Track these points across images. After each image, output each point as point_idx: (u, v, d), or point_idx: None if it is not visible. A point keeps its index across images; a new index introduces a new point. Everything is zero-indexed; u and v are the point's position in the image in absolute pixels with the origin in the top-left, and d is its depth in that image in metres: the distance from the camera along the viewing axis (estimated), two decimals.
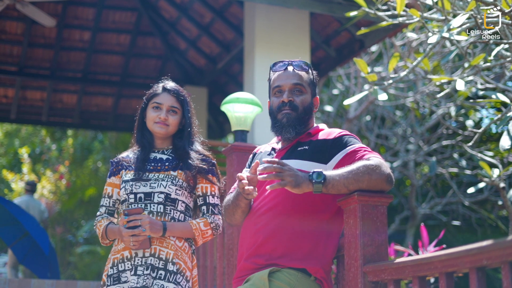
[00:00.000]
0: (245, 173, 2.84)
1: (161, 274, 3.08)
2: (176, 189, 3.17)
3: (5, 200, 7.71)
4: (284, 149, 3.01)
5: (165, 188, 3.16)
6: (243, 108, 5.05)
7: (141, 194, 3.16)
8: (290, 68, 3.02)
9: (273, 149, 3.09)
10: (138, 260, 3.09)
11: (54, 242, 13.88)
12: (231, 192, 3.14)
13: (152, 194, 3.15)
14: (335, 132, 2.97)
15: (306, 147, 2.93)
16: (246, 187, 2.77)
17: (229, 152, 4.64)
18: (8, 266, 9.52)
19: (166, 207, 3.15)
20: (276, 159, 2.69)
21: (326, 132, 3.00)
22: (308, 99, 3.01)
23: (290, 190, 2.68)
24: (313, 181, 2.65)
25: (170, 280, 3.07)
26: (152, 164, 3.24)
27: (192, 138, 3.32)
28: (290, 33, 7.52)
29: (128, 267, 3.10)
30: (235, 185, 3.18)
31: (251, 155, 3.25)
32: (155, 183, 3.16)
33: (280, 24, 7.51)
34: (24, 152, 16.10)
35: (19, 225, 7.20)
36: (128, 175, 3.22)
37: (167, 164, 3.24)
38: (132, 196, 3.17)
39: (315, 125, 3.08)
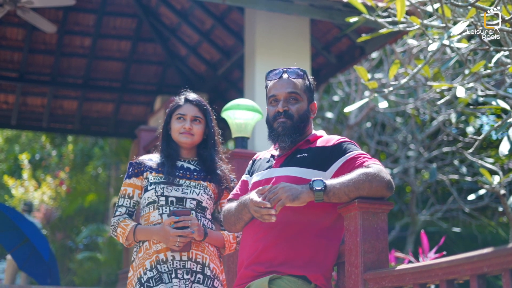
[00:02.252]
0: (256, 195, 2.79)
1: (199, 278, 3.16)
2: (207, 198, 3.28)
3: (4, 206, 7.70)
4: (283, 156, 3.01)
5: (197, 195, 3.24)
6: (244, 115, 5.05)
7: (173, 198, 3.21)
8: (285, 76, 3.01)
9: (272, 156, 3.09)
10: (177, 263, 3.14)
11: (54, 248, 13.87)
12: (231, 199, 3.13)
13: (184, 199, 3.22)
14: (334, 139, 2.96)
15: (305, 154, 2.93)
16: (270, 214, 2.71)
17: (230, 158, 4.64)
18: (6, 273, 9.49)
19: (197, 213, 3.23)
20: (266, 186, 2.75)
21: (325, 139, 2.99)
22: (304, 107, 3.00)
23: (292, 205, 2.68)
24: (314, 189, 2.65)
25: (208, 285, 3.15)
26: (181, 171, 3.30)
27: (217, 147, 3.40)
28: (290, 39, 7.53)
29: (165, 269, 3.13)
30: (235, 190, 3.18)
31: (250, 162, 3.25)
32: (187, 189, 3.24)
33: (281, 31, 7.52)
34: (24, 158, 16.11)
35: (19, 231, 7.18)
36: (158, 177, 3.26)
37: (195, 174, 3.31)
38: (163, 198, 3.21)
39: (313, 131, 3.08)
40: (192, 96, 3.41)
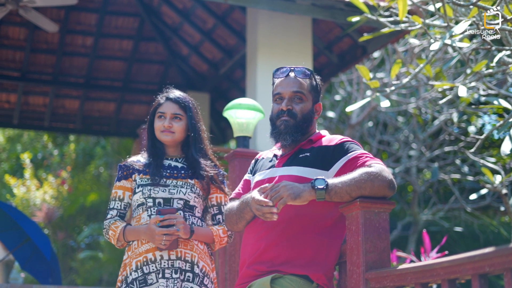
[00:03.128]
0: (258, 194, 2.78)
1: (189, 276, 3.16)
2: (195, 196, 3.27)
3: (6, 205, 7.71)
4: (286, 155, 3.01)
5: (184, 194, 3.24)
6: (245, 114, 5.05)
7: (160, 199, 3.22)
8: (291, 75, 3.01)
9: (275, 155, 3.09)
10: (165, 262, 3.14)
11: (56, 248, 13.88)
12: (233, 198, 3.13)
13: (172, 199, 3.22)
14: (336, 139, 2.97)
15: (308, 154, 2.93)
16: (271, 212, 2.71)
17: (231, 158, 4.65)
18: None
19: (185, 213, 3.22)
20: (267, 185, 2.74)
21: (328, 138, 3.00)
22: (308, 107, 3.00)
23: (293, 204, 2.68)
24: (316, 187, 2.66)
25: (197, 283, 3.16)
26: (168, 171, 3.30)
27: (199, 144, 3.36)
28: (292, 39, 7.53)
29: (153, 269, 3.14)
30: (237, 190, 3.18)
31: (253, 161, 3.25)
32: (174, 189, 3.24)
33: (282, 30, 7.52)
34: (26, 157, 16.11)
35: (21, 231, 7.19)
36: (144, 179, 3.26)
37: (183, 172, 3.31)
38: (150, 200, 3.22)
39: (316, 131, 3.08)
40: (173, 93, 3.39)
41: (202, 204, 3.33)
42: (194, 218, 3.25)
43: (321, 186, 2.66)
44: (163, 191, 3.22)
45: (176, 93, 3.40)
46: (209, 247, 3.32)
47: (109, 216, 3.32)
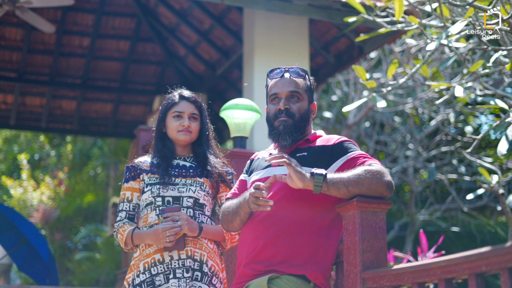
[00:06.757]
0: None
1: (197, 275, 3.15)
2: (204, 194, 3.27)
3: (3, 206, 7.68)
4: None
5: (194, 193, 3.23)
6: (242, 114, 5.06)
7: (169, 197, 3.21)
8: (286, 75, 3.02)
9: (271, 155, 3.09)
10: (175, 262, 3.13)
11: (53, 248, 13.86)
12: (230, 198, 3.13)
13: (181, 198, 3.22)
14: (334, 139, 2.97)
15: (305, 154, 2.94)
16: (262, 197, 2.73)
17: (228, 158, 4.65)
18: None
19: (195, 211, 3.22)
20: (260, 183, 2.76)
21: (325, 138, 3.00)
22: (305, 106, 3.01)
23: (292, 177, 2.67)
24: (314, 173, 2.66)
25: (206, 282, 3.15)
26: (177, 170, 3.29)
27: (210, 142, 3.40)
28: (289, 39, 7.53)
29: (162, 270, 3.13)
30: (233, 190, 3.18)
31: (248, 161, 3.25)
32: (183, 187, 3.23)
33: (279, 31, 7.52)
34: (23, 158, 16.08)
35: (18, 231, 7.18)
36: (153, 178, 3.25)
37: (191, 171, 3.30)
38: (159, 199, 3.21)
39: (313, 131, 3.08)
40: (187, 93, 3.40)
41: (212, 203, 3.34)
42: (204, 217, 3.25)
43: (320, 172, 2.67)
44: (172, 190, 3.22)
45: (188, 92, 3.41)
46: (219, 247, 3.32)
47: (118, 218, 3.31)
